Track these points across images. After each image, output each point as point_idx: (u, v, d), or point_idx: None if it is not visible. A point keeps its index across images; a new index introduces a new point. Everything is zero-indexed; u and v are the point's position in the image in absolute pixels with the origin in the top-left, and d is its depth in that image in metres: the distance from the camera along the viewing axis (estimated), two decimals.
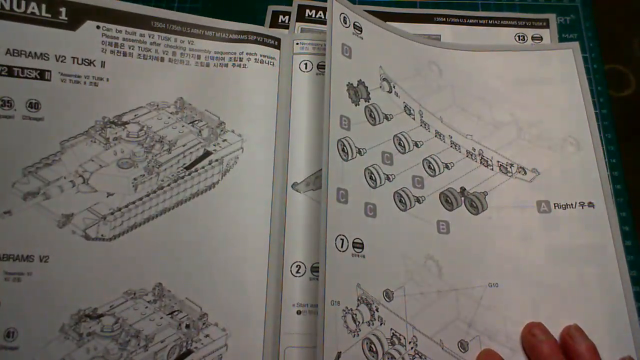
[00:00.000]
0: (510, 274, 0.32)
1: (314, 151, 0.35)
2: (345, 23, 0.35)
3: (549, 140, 0.35)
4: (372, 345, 0.28)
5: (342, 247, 0.29)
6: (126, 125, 0.33)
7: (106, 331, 0.29)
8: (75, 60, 0.33)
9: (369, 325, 0.29)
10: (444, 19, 0.42)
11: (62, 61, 0.33)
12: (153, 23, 0.35)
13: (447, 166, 0.35)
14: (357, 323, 0.28)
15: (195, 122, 0.35)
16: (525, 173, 0.35)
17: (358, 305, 0.29)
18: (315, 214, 0.33)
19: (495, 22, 0.42)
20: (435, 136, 0.35)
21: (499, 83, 0.37)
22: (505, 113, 0.36)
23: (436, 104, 0.36)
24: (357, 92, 0.34)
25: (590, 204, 0.33)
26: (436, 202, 0.33)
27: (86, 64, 0.33)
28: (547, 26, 0.41)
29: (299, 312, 0.31)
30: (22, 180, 0.30)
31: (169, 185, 0.33)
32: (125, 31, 0.35)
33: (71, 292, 0.29)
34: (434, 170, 0.34)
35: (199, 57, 0.36)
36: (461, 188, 0.34)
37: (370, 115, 0.34)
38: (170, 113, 0.35)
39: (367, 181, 0.32)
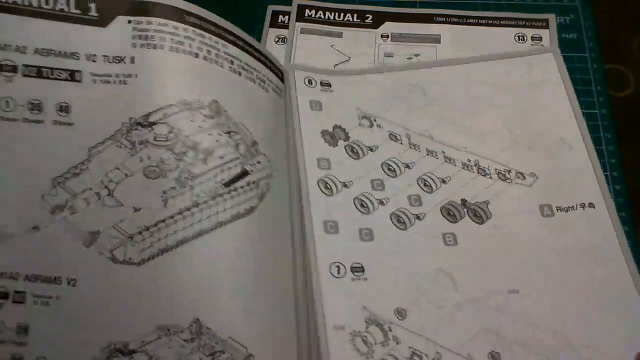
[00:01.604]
0: (528, 280, 0.31)
1: None
2: (311, 84, 0.37)
3: (542, 144, 0.35)
4: None
5: (339, 273, 0.30)
6: (153, 127, 0.29)
7: None
8: (107, 59, 0.30)
9: (383, 346, 0.29)
10: (444, 19, 0.42)
11: (92, 60, 0.29)
12: (186, 18, 0.32)
13: (443, 181, 0.35)
14: (370, 345, 0.29)
15: (232, 134, 0.30)
16: (525, 178, 0.35)
17: (367, 327, 0.29)
18: None
19: (495, 22, 0.42)
20: (428, 155, 0.36)
21: (485, 92, 0.38)
22: (496, 120, 0.37)
23: (424, 124, 0.37)
24: (334, 135, 0.35)
25: (591, 205, 0.33)
26: (438, 216, 0.33)
27: (117, 62, 0.30)
28: (547, 27, 0.41)
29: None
30: (52, 192, 0.27)
31: (205, 202, 0.28)
32: (157, 23, 0.31)
33: (101, 322, 0.26)
34: (431, 187, 0.34)
35: (232, 62, 0.33)
36: (462, 200, 0.34)
37: (353, 151, 0.35)
38: (205, 116, 0.30)
39: (358, 209, 0.33)
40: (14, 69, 0.28)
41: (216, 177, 0.29)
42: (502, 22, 0.42)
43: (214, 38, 0.32)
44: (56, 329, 0.26)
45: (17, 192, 0.27)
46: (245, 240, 0.29)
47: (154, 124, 0.29)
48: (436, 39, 0.41)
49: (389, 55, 0.41)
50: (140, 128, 0.28)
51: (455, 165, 0.35)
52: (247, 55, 0.34)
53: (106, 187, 0.28)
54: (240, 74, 0.33)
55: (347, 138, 0.35)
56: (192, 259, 0.27)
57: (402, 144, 0.36)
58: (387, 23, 0.42)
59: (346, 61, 0.41)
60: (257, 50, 0.36)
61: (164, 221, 0.27)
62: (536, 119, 0.36)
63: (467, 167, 0.35)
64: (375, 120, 0.36)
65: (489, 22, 0.42)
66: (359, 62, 0.40)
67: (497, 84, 0.38)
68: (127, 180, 0.28)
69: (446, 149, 0.36)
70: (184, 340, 0.26)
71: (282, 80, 0.38)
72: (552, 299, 0.31)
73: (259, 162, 0.31)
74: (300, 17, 0.43)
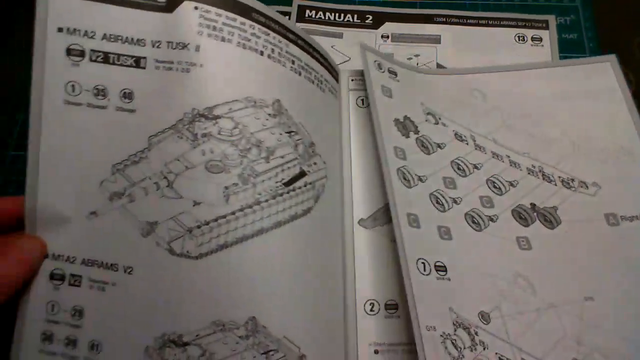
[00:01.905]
0: (601, 288, 0.31)
1: (374, 187, 0.34)
2: (381, 69, 0.37)
3: (601, 153, 0.35)
4: None
5: (425, 270, 0.29)
6: (218, 120, 0.28)
7: None
8: (170, 44, 0.29)
9: (471, 350, 0.28)
10: (444, 20, 0.42)
11: (157, 47, 0.29)
12: (253, 14, 0.31)
13: (511, 184, 0.34)
14: (459, 349, 0.28)
15: (292, 134, 0.30)
16: (587, 187, 0.34)
17: (455, 330, 0.28)
18: (383, 250, 0.32)
19: (495, 22, 0.42)
20: (493, 157, 0.35)
21: (543, 100, 0.37)
22: (555, 129, 0.36)
23: (486, 128, 0.36)
24: (405, 126, 0.35)
25: None
26: (510, 219, 0.33)
27: (180, 47, 0.29)
28: (547, 27, 0.41)
29: (376, 352, 0.30)
30: (110, 178, 0.27)
31: (266, 201, 0.28)
32: (226, 16, 0.30)
33: (156, 311, 0.26)
34: (500, 189, 0.34)
35: (293, 62, 0.32)
36: (531, 204, 0.34)
37: (423, 145, 0.35)
38: (269, 115, 0.29)
39: (434, 205, 0.32)
40: (81, 54, 0.28)
41: (277, 176, 0.29)
42: (502, 23, 0.42)
43: (277, 37, 0.32)
44: (111, 314, 0.26)
45: (77, 177, 0.27)
46: (301, 241, 0.29)
47: (219, 117, 0.28)
48: (436, 39, 0.41)
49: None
50: (203, 120, 0.28)
51: (520, 170, 0.35)
52: (306, 54, 0.34)
53: (165, 177, 0.27)
54: (300, 74, 0.33)
55: (416, 131, 0.35)
56: (250, 256, 0.27)
57: (467, 144, 0.36)
58: (387, 23, 0.42)
59: (347, 61, 0.41)
60: (315, 50, 0.35)
61: (224, 217, 0.27)
62: (595, 127, 0.36)
63: (532, 172, 0.35)
64: (439, 119, 0.36)
65: (489, 22, 0.42)
66: (360, 63, 0.40)
67: (555, 92, 0.38)
68: (187, 172, 0.27)
69: (510, 153, 0.36)
70: (239, 337, 0.26)
71: (337, 80, 0.37)
72: (627, 307, 0.30)
73: (315, 163, 0.31)
74: (301, 18, 0.43)
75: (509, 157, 0.35)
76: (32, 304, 0.26)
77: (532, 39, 0.41)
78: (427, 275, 0.29)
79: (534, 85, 0.38)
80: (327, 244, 0.31)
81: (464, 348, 0.28)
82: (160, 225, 0.27)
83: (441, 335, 0.27)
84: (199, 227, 0.27)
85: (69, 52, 0.27)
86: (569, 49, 0.40)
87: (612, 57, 0.38)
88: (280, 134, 0.30)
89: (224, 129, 0.28)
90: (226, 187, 0.27)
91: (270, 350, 0.26)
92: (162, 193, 0.27)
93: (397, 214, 0.30)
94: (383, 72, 0.37)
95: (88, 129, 0.27)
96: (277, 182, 0.29)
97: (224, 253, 0.27)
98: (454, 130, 0.36)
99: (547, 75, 0.38)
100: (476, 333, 0.28)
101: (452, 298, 0.29)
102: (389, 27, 0.42)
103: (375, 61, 0.37)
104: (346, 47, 0.41)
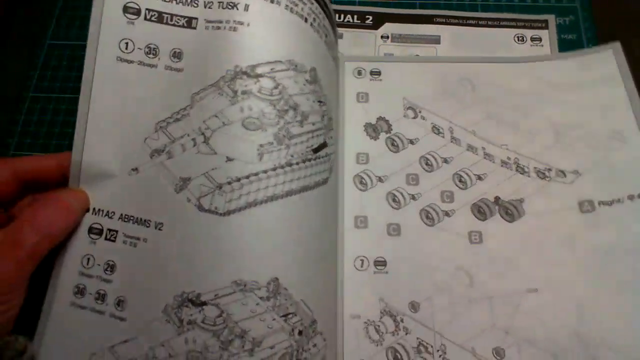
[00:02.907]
0: (552, 279, 0.32)
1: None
2: (360, 74, 0.38)
3: (591, 140, 0.35)
4: (397, 354, 0.30)
5: (362, 266, 0.32)
6: (260, 79, 0.28)
7: (207, 323, 0.25)
8: (221, 4, 0.29)
9: (393, 335, 0.31)
10: (444, 20, 0.42)
11: (209, 7, 0.29)
12: None
13: (479, 177, 0.35)
14: (380, 334, 0.31)
15: (321, 104, 0.29)
16: (565, 175, 0.34)
17: (381, 318, 0.31)
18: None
19: (495, 23, 0.42)
20: (467, 150, 0.36)
21: (537, 92, 0.37)
22: (543, 120, 0.36)
23: (469, 119, 0.36)
24: (376, 128, 0.36)
25: None
26: (467, 214, 0.34)
27: (230, 7, 0.29)
28: (547, 27, 0.41)
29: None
30: (153, 135, 0.28)
31: (297, 164, 0.27)
32: None
33: (178, 269, 0.26)
34: (465, 183, 0.35)
35: (326, 35, 0.32)
36: (495, 197, 0.34)
37: (392, 144, 0.36)
38: (306, 80, 0.29)
39: (389, 204, 0.34)
40: (137, 12, 0.29)
41: (308, 141, 0.28)
42: (501, 23, 0.42)
43: (319, 8, 0.32)
44: (139, 271, 0.26)
45: (122, 133, 0.28)
46: (321, 208, 0.29)
47: (261, 75, 0.28)
48: (435, 40, 0.41)
49: (389, 55, 0.41)
50: (245, 77, 0.28)
51: (493, 162, 0.35)
52: (332, 33, 0.34)
53: (202, 133, 0.27)
54: (329, 49, 0.33)
55: (389, 130, 0.36)
56: (277, 217, 0.26)
57: (443, 137, 0.36)
58: (386, 24, 0.42)
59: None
60: (334, 30, 0.35)
61: (256, 174, 0.26)
62: (587, 116, 0.36)
63: (506, 164, 0.35)
64: (420, 112, 0.37)
65: (488, 22, 0.42)
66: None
67: (551, 83, 0.37)
68: (224, 128, 0.27)
69: (487, 145, 0.36)
70: (260, 298, 0.25)
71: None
72: (577, 298, 0.31)
73: (331, 137, 0.31)
74: None
75: (484, 149, 0.36)
76: (70, 257, 0.27)
77: (532, 39, 0.41)
78: (363, 270, 0.32)
79: (530, 77, 0.38)
80: (340, 214, 0.33)
81: (386, 332, 0.31)
82: (193, 181, 0.27)
83: (365, 322, 0.31)
84: (229, 183, 0.26)
85: (125, 9, 0.28)
86: (568, 49, 0.40)
87: (616, 45, 0.38)
88: (314, 102, 0.29)
89: (264, 87, 0.28)
90: (261, 145, 0.27)
91: (289, 314, 0.25)
92: (197, 149, 0.27)
93: (343, 218, 0.33)
94: (363, 77, 0.38)
95: (137, 86, 0.28)
96: (307, 147, 0.28)
97: (251, 211, 0.26)
98: (432, 123, 0.37)
99: (545, 67, 0.38)
100: (402, 320, 0.31)
101: (384, 290, 0.32)
102: (388, 28, 0.42)
103: (355, 69, 0.38)
104: (346, 47, 0.41)
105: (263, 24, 0.29)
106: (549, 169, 0.35)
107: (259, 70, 0.28)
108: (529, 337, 0.30)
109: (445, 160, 0.35)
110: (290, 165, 0.27)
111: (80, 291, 0.26)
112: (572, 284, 0.31)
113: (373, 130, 0.36)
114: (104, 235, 0.27)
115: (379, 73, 0.38)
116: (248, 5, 0.29)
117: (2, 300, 0.24)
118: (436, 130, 0.36)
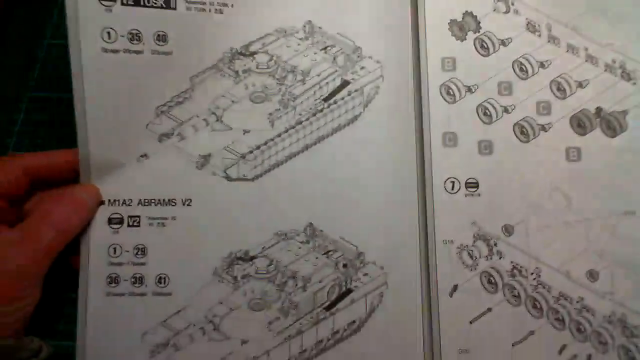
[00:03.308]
0: None
1: None
2: None
3: None
4: (491, 278, 0.30)
5: (453, 189, 0.30)
6: (255, 56, 0.30)
7: (261, 273, 0.29)
8: None
9: (487, 259, 0.30)
10: None
11: None
12: None
13: (580, 85, 0.31)
14: (474, 258, 0.30)
15: (328, 49, 0.31)
16: None
17: (474, 242, 0.30)
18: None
19: None
20: (567, 51, 0.32)
21: None
22: None
23: (569, 11, 0.32)
24: (463, 26, 0.32)
25: None
26: (566, 127, 0.31)
27: None
28: None
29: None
30: (155, 120, 0.29)
31: (307, 119, 0.30)
32: None
33: (219, 235, 0.29)
34: (564, 91, 0.31)
35: None
36: (597, 108, 0.31)
37: (482, 46, 0.32)
38: (300, 39, 0.31)
39: (480, 118, 0.31)
40: None
41: (314, 94, 0.31)
42: None
43: None
44: (174, 246, 0.28)
45: (123, 122, 0.29)
46: (349, 148, 0.30)
47: (255, 53, 0.30)
48: None
49: None
50: (241, 57, 0.30)
51: (597, 66, 0.31)
52: None
53: (213, 113, 0.30)
54: None
55: (477, 29, 0.32)
56: (300, 170, 0.30)
57: (539, 35, 0.32)
58: None
59: None
60: None
61: (272, 139, 0.30)
62: None
63: (610, 69, 0.31)
64: (512, 4, 0.32)
65: None
66: None
67: None
68: (234, 106, 0.30)
69: (590, 44, 0.32)
70: (300, 243, 0.29)
71: None
72: None
73: (362, 68, 0.31)
74: None
75: (586, 49, 0.31)
76: (94, 250, 0.28)
77: None
78: (454, 193, 0.30)
79: None
80: (390, 145, 0.31)
81: (480, 257, 0.30)
82: (214, 156, 0.29)
83: (458, 247, 0.30)
84: (251, 152, 0.29)
85: None
86: None
87: None
88: (315, 54, 0.31)
89: (261, 63, 0.30)
90: (270, 114, 0.30)
91: (329, 251, 0.30)
92: (212, 128, 0.30)
93: (429, 135, 0.30)
94: None
95: (127, 74, 0.29)
96: (315, 100, 0.31)
97: (277, 171, 0.30)
98: (527, 19, 0.32)
99: None
100: (495, 244, 0.30)
101: (477, 213, 0.30)
102: None
103: None
104: None
105: (246, 2, 0.30)
106: None
107: (252, 48, 0.30)
108: (624, 261, 0.29)
109: (542, 65, 0.31)
110: (300, 123, 0.30)
111: (113, 280, 0.28)
112: None
113: (459, 29, 0.32)
114: (125, 223, 0.28)
115: None
116: None
117: (21, 295, 0.25)
118: (531, 27, 0.32)
